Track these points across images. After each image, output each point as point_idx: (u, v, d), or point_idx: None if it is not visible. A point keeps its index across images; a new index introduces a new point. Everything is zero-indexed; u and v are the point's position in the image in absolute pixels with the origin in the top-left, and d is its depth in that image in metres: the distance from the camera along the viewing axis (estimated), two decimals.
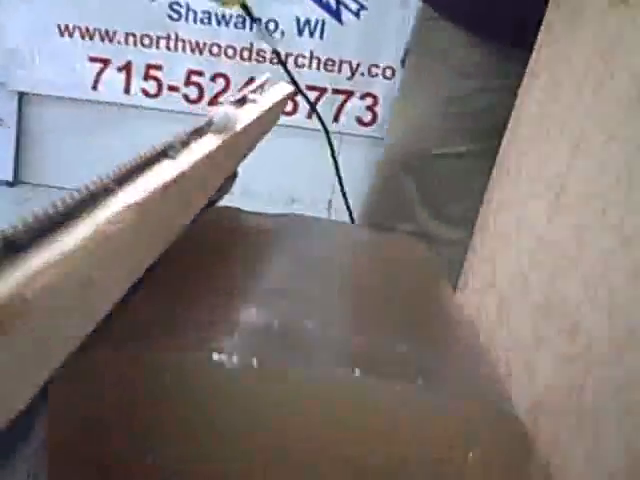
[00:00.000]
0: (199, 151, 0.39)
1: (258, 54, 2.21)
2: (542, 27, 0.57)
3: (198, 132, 0.42)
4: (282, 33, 2.19)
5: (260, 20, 0.91)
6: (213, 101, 2.29)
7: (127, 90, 2.31)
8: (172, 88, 2.29)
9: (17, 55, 2.35)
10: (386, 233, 0.57)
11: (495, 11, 0.79)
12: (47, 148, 2.52)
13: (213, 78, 2.26)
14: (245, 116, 0.50)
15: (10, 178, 2.52)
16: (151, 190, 0.30)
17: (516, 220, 0.52)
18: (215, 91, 2.28)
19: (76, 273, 0.23)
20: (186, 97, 2.30)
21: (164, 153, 0.35)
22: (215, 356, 0.30)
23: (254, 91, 0.58)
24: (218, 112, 0.44)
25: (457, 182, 0.88)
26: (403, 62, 0.96)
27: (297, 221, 0.54)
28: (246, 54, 2.22)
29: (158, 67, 2.28)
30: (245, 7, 0.87)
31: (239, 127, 0.46)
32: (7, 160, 2.51)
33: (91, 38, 2.30)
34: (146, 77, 2.29)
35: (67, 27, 2.30)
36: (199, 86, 2.28)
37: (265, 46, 2.20)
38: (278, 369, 0.30)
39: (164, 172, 0.33)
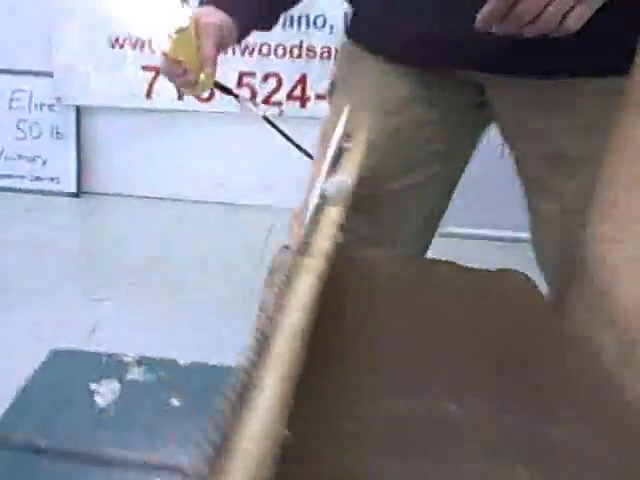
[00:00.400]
0: (326, 234, 0.39)
1: (308, 51, 2.20)
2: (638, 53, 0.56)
3: (319, 210, 0.42)
4: (331, 28, 2.17)
5: (231, 92, 0.90)
6: (266, 100, 2.30)
7: (180, 96, 2.34)
8: None
9: (72, 70, 2.40)
10: (488, 273, 0.56)
11: (424, 42, 0.76)
12: (107, 158, 2.57)
13: (265, 78, 2.27)
14: (347, 172, 0.49)
15: (74, 189, 2.59)
16: (307, 306, 0.31)
17: (633, 258, 0.50)
18: (267, 91, 2.28)
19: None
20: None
21: (305, 252, 0.36)
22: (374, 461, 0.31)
23: (345, 137, 0.57)
24: (329, 183, 0.44)
25: (401, 211, 0.87)
26: (330, 93, 0.92)
27: (419, 267, 0.53)
28: (296, 52, 2.21)
29: None
30: (219, 85, 0.85)
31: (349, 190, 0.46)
32: (70, 172, 2.59)
33: (141, 48, 2.33)
34: None
35: (117, 39, 2.33)
36: (251, 87, 2.29)
37: (314, 42, 2.19)
38: (438, 468, 0.30)
39: (310, 278, 0.33)
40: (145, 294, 1.81)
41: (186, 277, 1.95)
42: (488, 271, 0.55)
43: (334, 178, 0.44)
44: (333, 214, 0.39)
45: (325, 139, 0.90)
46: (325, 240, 0.36)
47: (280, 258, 1.11)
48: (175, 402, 0.69)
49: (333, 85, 0.92)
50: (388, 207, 0.87)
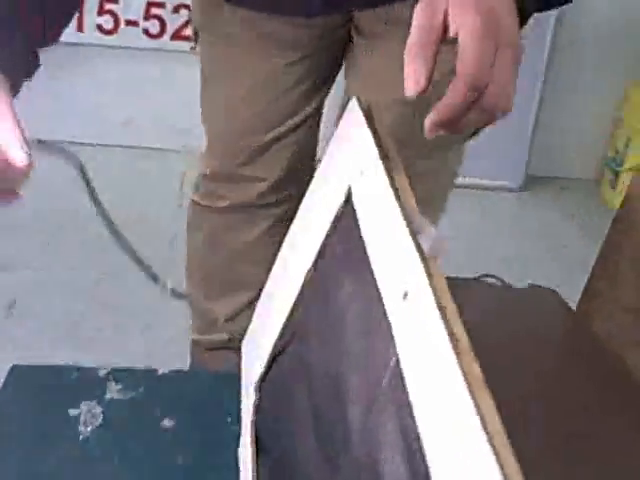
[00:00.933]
0: (455, 316, 0.33)
1: None
2: None
3: (428, 274, 0.36)
4: None
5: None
6: (176, 35, 2.12)
7: (80, 27, 2.10)
8: (130, 23, 2.10)
9: None
10: (521, 292, 0.54)
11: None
12: None
13: (176, 9, 2.08)
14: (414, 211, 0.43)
15: None
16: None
17: None
18: (178, 23, 2.10)
19: None
20: (146, 32, 2.11)
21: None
22: None
23: (386, 157, 0.49)
24: (423, 238, 0.38)
25: (290, 156, 0.91)
26: (195, 42, 0.92)
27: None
28: None
29: (114, 0, 2.07)
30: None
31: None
32: None
33: None
34: (100, 12, 2.09)
35: None
36: (160, 19, 2.10)
37: None
38: None
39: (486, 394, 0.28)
40: (62, 255, 1.67)
41: (100, 232, 1.81)
42: (519, 289, 0.53)
43: (425, 232, 0.38)
44: (442, 285, 0.34)
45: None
46: (460, 327, 0.31)
47: (198, 217, 1.05)
48: (167, 423, 0.64)
49: (196, 34, 0.90)
50: (269, 154, 0.90)
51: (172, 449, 0.61)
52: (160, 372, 0.71)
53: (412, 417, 0.27)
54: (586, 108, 2.25)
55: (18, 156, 0.48)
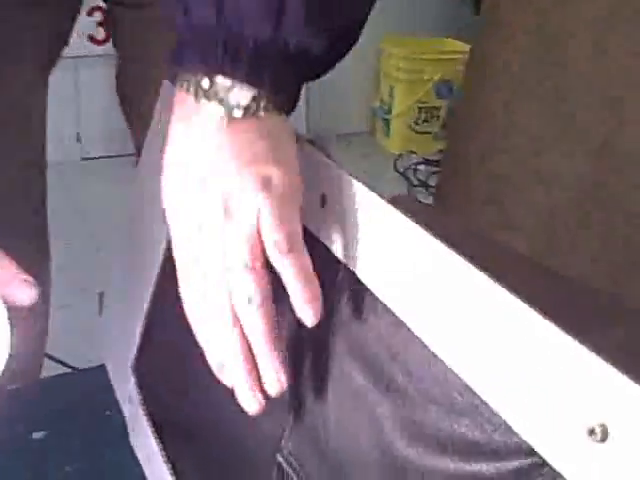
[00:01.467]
0: None
1: None
2: None
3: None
4: None
5: None
6: None
7: None
8: None
9: None
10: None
11: None
12: None
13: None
14: None
15: None
16: None
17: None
18: None
19: None
20: None
21: None
22: None
23: None
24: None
25: None
26: None
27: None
28: None
29: None
30: None
31: None
32: None
33: None
34: None
35: None
36: None
37: None
38: None
39: None
40: None
41: None
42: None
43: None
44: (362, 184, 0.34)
45: None
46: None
47: None
48: (37, 435, 0.56)
49: None
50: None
51: (54, 460, 0.54)
52: (9, 387, 0.62)
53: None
54: (351, 64, 2.39)
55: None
